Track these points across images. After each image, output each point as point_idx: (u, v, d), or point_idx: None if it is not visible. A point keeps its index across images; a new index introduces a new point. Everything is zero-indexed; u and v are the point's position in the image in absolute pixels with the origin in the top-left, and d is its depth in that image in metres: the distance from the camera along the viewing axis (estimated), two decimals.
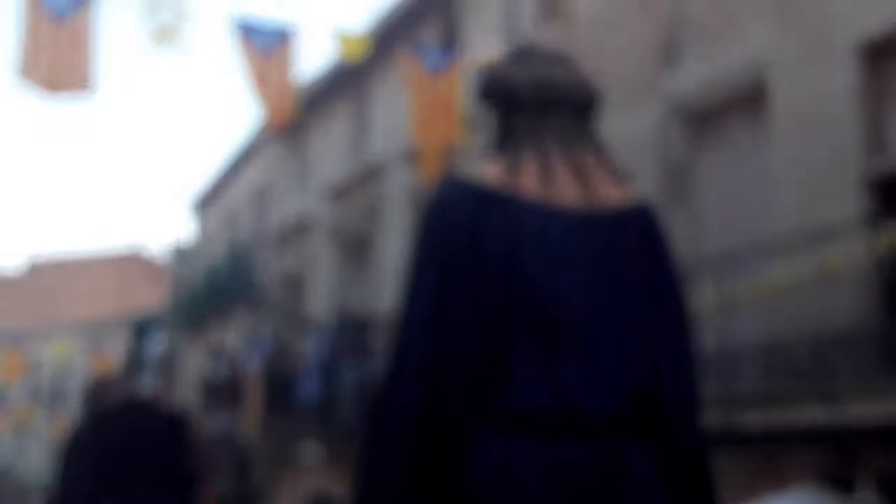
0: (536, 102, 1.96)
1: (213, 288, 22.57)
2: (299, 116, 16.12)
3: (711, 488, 1.84)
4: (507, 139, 1.88)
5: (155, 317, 5.86)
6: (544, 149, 1.87)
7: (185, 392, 24.92)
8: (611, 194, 1.89)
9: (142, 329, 5.40)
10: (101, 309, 48.50)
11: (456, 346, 1.72)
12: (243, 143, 22.47)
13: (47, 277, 52.40)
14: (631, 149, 9.85)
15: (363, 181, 16.13)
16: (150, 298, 40.15)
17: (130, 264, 46.89)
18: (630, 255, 1.86)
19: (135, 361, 5.16)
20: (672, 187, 9.48)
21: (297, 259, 18.94)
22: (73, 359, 32.65)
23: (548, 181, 1.86)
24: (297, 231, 19.02)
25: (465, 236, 1.80)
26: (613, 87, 9.95)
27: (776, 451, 7.76)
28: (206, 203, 26.35)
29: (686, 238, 9.21)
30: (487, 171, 1.85)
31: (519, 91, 1.96)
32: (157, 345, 5.12)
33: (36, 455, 33.42)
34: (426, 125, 12.95)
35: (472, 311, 1.75)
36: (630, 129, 9.83)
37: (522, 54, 2.01)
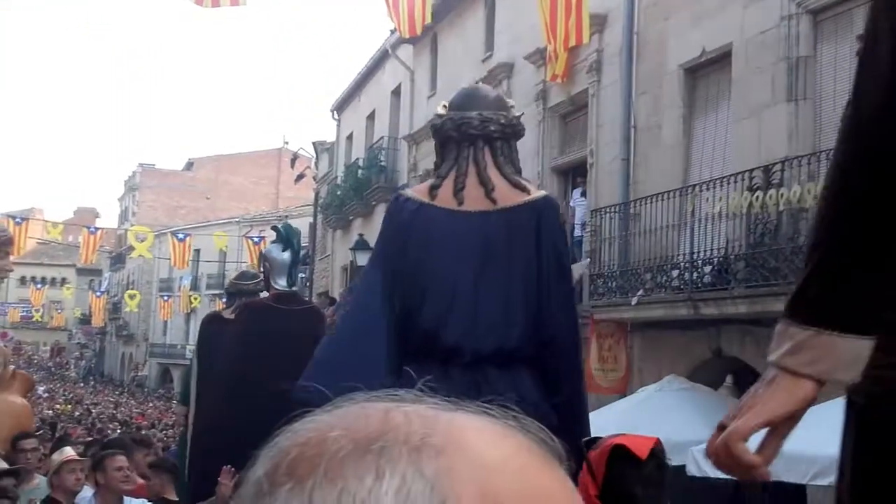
0: (457, 138, 3.15)
1: (354, 184, 23.95)
2: (432, 23, 16.86)
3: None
4: (442, 163, 3.16)
5: (293, 227, 6.47)
6: (461, 169, 3.09)
7: (335, 281, 26.69)
8: (508, 197, 3.08)
9: (289, 234, 6.05)
10: (253, 203, 51.10)
11: (388, 298, 3.06)
12: (380, 48, 23.41)
13: (204, 174, 55.30)
14: (755, 43, 10.26)
15: (493, 81, 16.86)
16: (297, 194, 42.18)
17: (278, 162, 48.96)
18: (516, 238, 3.06)
19: (286, 262, 5.77)
20: (795, 81, 9.77)
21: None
22: (230, 249, 35.05)
23: (458, 193, 3.06)
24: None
25: (400, 231, 3.11)
26: None
27: None
28: (346, 105, 27.57)
29: (807, 132, 9.64)
30: (419, 189, 3.21)
31: (447, 132, 3.18)
32: (294, 249, 5.72)
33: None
34: (553, 26, 13.55)
35: (399, 278, 3.06)
36: (755, 23, 10.18)
37: (459, 100, 3.27)
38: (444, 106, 3.27)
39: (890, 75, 1.49)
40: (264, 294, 6.51)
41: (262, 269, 6.66)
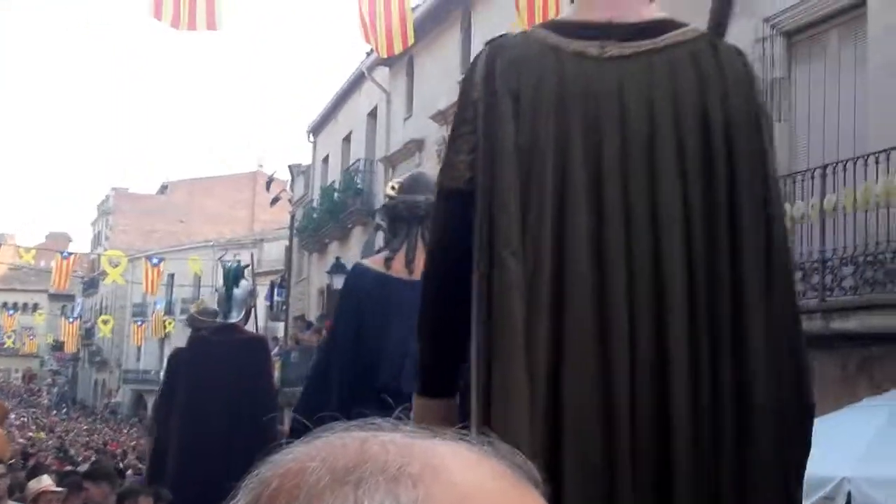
0: (408, 218, 3.72)
1: (330, 207, 23.89)
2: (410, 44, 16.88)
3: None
4: (393, 239, 3.77)
5: (243, 266, 7.49)
6: (411, 244, 3.64)
7: (311, 303, 26.55)
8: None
9: (233, 275, 6.82)
10: (228, 227, 50.86)
11: (344, 354, 3.71)
12: (356, 70, 23.43)
13: (178, 198, 55.02)
14: None
15: None
16: (272, 217, 42.03)
17: (253, 185, 48.84)
18: None
19: (228, 299, 6.63)
20: (770, 102, 9.81)
21: None
22: (205, 272, 34.81)
23: (409, 264, 3.60)
24: (407, 153, 19.97)
25: (358, 297, 3.73)
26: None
27: (872, 356, 8.29)
28: (322, 127, 27.55)
29: (782, 152, 9.66)
30: (375, 260, 3.80)
31: (399, 213, 3.75)
32: (244, 289, 6.60)
33: None
34: None
35: (353, 336, 3.69)
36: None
37: (409, 184, 3.83)
38: (394, 188, 3.86)
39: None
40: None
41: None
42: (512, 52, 2.07)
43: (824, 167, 8.78)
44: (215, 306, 8.19)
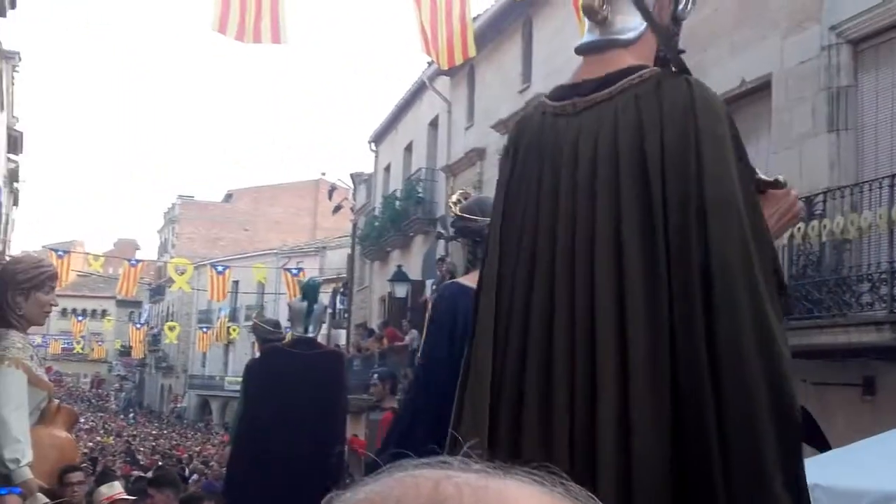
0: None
1: (392, 216, 24.06)
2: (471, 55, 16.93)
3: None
4: (475, 259, 3.70)
5: (319, 280, 7.88)
6: None
7: (373, 311, 26.75)
8: None
9: (313, 291, 6.99)
10: (291, 234, 51.46)
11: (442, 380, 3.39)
12: (417, 80, 23.59)
13: (242, 206, 55.79)
14: (795, 73, 10.21)
15: None
16: (334, 225, 42.43)
17: (315, 194, 49.29)
18: None
19: (308, 314, 6.79)
20: (836, 111, 9.71)
21: (469, 187, 20.00)
22: (268, 280, 35.27)
23: None
24: (468, 162, 20.04)
25: (450, 313, 3.66)
26: (779, 15, 10.32)
27: None
28: (384, 136, 27.78)
29: (849, 161, 9.55)
30: (468, 278, 3.61)
31: (483, 233, 3.57)
32: (320, 303, 6.82)
33: (239, 366, 36.37)
34: None
35: (448, 356, 3.42)
36: (794, 55, 10.15)
37: (476, 206, 3.84)
38: (459, 202, 3.92)
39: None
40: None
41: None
42: (522, 120, 2.42)
43: (892, 176, 8.65)
44: (275, 315, 8.42)
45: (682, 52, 2.49)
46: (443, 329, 3.61)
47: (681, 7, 2.41)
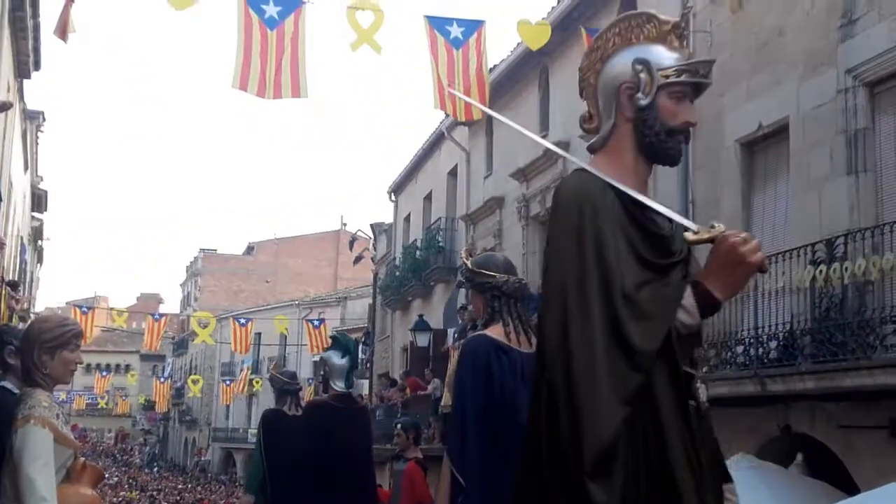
0: (512, 295, 4.18)
1: (413, 265, 24.14)
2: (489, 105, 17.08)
3: None
4: (494, 312, 4.16)
5: (350, 336, 8.18)
6: (513, 318, 4.17)
7: (394, 361, 26.72)
8: (531, 341, 3.94)
9: (353, 348, 7.30)
10: (312, 285, 51.62)
11: (481, 427, 3.96)
12: (435, 130, 23.81)
13: (264, 258, 56.09)
14: (812, 116, 10.25)
15: (548, 160, 17.01)
16: (355, 275, 42.56)
17: (336, 244, 49.53)
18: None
19: (350, 370, 7.13)
20: (854, 153, 9.72)
21: (490, 236, 20.07)
22: (290, 332, 35.33)
23: (516, 337, 4.12)
24: (487, 210, 20.12)
25: (484, 364, 4.05)
26: (795, 59, 10.38)
27: None
28: (403, 186, 27.96)
29: (868, 204, 9.54)
30: (493, 331, 4.09)
31: (503, 289, 4.17)
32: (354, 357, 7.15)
33: None
34: None
35: (485, 404, 3.98)
36: (811, 98, 10.19)
37: (504, 265, 4.28)
38: (472, 255, 4.42)
39: None
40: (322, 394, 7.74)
41: (322, 372, 7.83)
42: None
43: None
44: (298, 367, 8.54)
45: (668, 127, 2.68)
46: (471, 379, 4.04)
47: (641, 101, 2.64)
